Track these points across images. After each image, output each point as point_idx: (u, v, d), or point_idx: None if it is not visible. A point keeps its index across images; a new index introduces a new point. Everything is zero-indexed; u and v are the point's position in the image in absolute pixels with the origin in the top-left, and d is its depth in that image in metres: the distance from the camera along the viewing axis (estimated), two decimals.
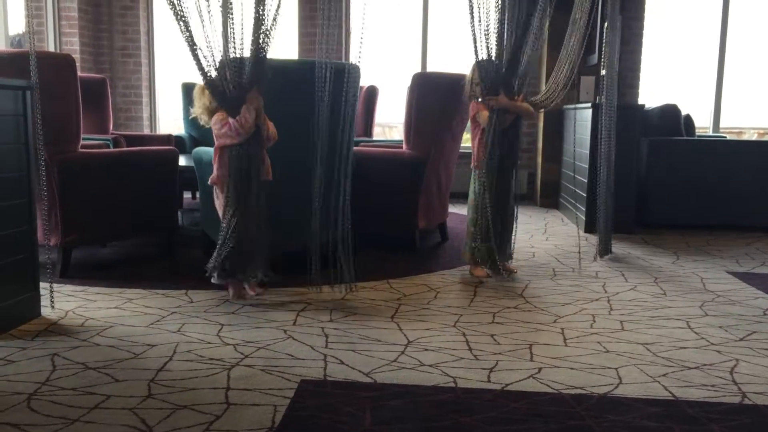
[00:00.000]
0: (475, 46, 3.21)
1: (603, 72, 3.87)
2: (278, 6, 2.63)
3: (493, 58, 3.23)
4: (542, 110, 3.62)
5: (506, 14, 3.17)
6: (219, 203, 2.89)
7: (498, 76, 3.24)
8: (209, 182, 2.89)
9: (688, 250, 4.23)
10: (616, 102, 3.80)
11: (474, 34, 3.20)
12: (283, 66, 3.06)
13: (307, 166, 3.21)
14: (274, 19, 2.64)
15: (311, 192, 2.95)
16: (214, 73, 2.66)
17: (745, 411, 1.88)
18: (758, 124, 7.31)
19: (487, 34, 3.19)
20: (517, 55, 3.22)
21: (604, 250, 3.88)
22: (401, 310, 2.80)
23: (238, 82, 2.66)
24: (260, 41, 2.63)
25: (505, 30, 3.19)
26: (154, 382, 2.00)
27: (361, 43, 2.90)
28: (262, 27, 2.62)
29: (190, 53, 2.62)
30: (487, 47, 3.21)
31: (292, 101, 3.06)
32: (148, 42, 6.95)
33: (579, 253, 3.97)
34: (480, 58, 3.24)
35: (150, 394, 1.92)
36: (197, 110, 2.85)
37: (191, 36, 2.59)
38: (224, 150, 2.77)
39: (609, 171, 3.79)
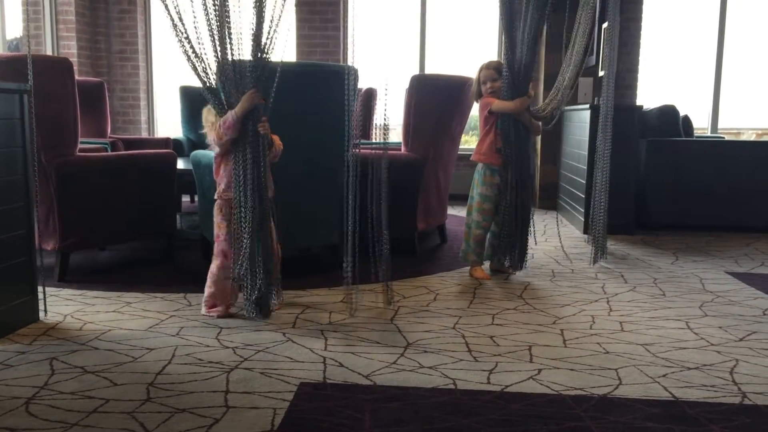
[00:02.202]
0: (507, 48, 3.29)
1: (601, 73, 3.87)
2: (282, 8, 2.58)
3: (518, 60, 3.29)
4: (548, 125, 3.62)
5: (521, 18, 3.22)
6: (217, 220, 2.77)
7: (518, 80, 3.30)
8: (215, 197, 2.76)
9: (687, 251, 4.23)
10: (613, 103, 3.80)
11: (508, 37, 3.26)
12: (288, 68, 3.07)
13: (304, 170, 3.22)
14: (278, 22, 2.57)
15: (310, 196, 2.96)
16: (213, 79, 2.62)
17: (745, 411, 1.87)
18: (756, 124, 7.32)
19: (513, 39, 3.24)
20: (531, 59, 3.28)
21: (600, 254, 3.84)
22: (400, 312, 2.80)
23: (241, 86, 2.61)
24: (262, 44, 2.58)
25: (520, 34, 3.24)
26: (152, 385, 2.00)
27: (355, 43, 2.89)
28: (268, 30, 2.56)
29: (188, 62, 2.57)
30: (512, 50, 3.27)
31: (295, 103, 3.07)
32: (146, 45, 6.94)
33: (568, 254, 3.96)
34: (506, 60, 3.30)
35: (149, 397, 1.91)
36: (207, 130, 2.73)
37: (190, 43, 2.55)
38: (225, 161, 2.68)
39: (605, 174, 3.78)
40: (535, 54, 3.30)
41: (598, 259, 3.76)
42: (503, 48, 3.34)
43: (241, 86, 2.58)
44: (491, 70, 3.39)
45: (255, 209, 2.59)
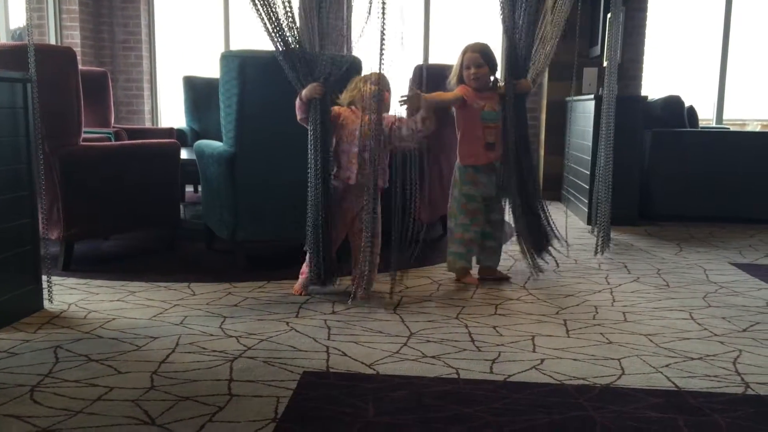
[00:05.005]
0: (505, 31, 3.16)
1: (605, 64, 3.85)
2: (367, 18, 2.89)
3: (518, 44, 3.15)
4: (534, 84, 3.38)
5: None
6: None
7: (517, 61, 3.11)
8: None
9: (691, 242, 4.22)
10: (615, 93, 3.77)
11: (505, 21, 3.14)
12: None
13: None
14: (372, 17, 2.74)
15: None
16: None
17: (748, 401, 1.87)
18: (761, 115, 7.29)
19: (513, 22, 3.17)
20: (529, 41, 3.16)
21: (604, 245, 3.82)
22: (403, 302, 2.80)
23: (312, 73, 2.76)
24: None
25: (520, 16, 3.16)
26: (156, 374, 2.01)
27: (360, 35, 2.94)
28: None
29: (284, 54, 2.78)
30: (511, 32, 3.14)
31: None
32: (149, 35, 6.93)
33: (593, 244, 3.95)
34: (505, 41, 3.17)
35: (153, 385, 1.92)
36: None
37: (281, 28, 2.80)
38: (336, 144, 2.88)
39: (608, 164, 3.75)
40: (534, 37, 3.12)
41: (603, 251, 3.74)
42: (503, 29, 3.18)
43: (313, 74, 2.78)
44: (476, 53, 3.01)
45: (318, 193, 2.76)
